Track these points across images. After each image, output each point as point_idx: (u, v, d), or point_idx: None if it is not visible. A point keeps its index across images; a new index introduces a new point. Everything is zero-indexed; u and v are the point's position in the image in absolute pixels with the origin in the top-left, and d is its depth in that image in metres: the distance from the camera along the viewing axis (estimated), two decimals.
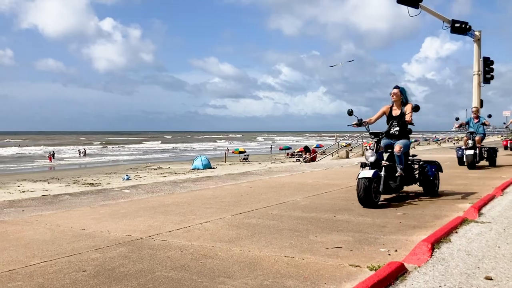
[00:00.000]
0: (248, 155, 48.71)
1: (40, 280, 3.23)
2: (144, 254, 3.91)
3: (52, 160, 50.43)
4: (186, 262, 3.67)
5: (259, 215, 5.77)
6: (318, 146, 58.00)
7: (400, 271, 3.07)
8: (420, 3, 20.22)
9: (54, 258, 3.79)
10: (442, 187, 7.71)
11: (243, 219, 5.51)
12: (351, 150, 25.17)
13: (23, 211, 6.31)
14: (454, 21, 21.92)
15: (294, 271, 3.39)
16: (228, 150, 50.34)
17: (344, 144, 28.08)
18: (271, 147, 69.98)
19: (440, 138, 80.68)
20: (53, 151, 57.13)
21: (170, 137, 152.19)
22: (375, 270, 3.33)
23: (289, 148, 58.92)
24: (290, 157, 48.64)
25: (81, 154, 60.40)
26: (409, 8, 20.31)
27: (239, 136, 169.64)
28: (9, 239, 4.56)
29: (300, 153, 49.50)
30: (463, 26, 21.91)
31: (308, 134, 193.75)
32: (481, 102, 23.51)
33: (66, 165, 45.58)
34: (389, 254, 3.84)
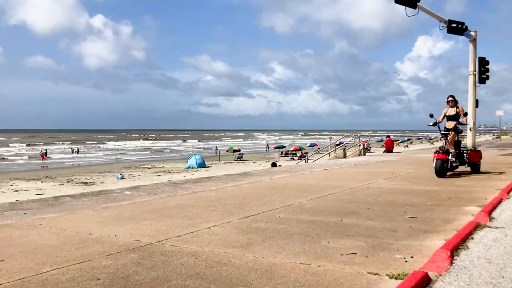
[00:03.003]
0: (242, 153, 48.67)
1: None
2: (157, 261, 3.82)
3: (44, 158, 50.05)
4: (201, 269, 3.58)
5: (267, 218, 5.70)
6: (312, 145, 58.21)
7: (425, 281, 3.01)
8: (417, 3, 20.20)
9: (65, 265, 3.68)
10: (443, 189, 7.62)
11: (250, 223, 5.43)
12: (345, 148, 25.09)
13: (25, 214, 6.18)
14: (450, 21, 21.93)
15: (313, 280, 3.32)
16: (217, 148, 50.23)
17: (337, 143, 28.07)
18: (267, 146, 69.98)
19: (433, 137, 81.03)
20: (46, 150, 56.67)
21: (164, 135, 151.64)
22: (395, 278, 3.27)
23: (283, 147, 59.01)
24: (284, 156, 48.67)
25: (74, 153, 59.98)
26: (407, 8, 20.29)
27: (241, 134, 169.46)
28: (15, 244, 4.45)
29: (294, 151, 49.57)
30: (460, 26, 21.93)
31: (309, 134, 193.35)
32: (477, 102, 23.58)
33: (59, 163, 45.23)
34: (406, 261, 3.78)
